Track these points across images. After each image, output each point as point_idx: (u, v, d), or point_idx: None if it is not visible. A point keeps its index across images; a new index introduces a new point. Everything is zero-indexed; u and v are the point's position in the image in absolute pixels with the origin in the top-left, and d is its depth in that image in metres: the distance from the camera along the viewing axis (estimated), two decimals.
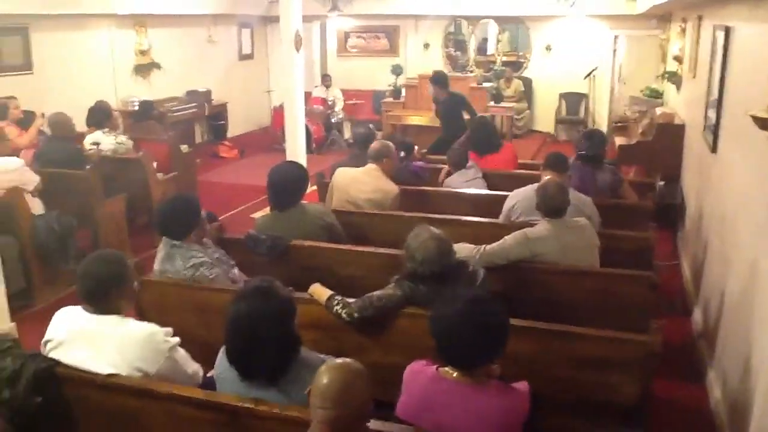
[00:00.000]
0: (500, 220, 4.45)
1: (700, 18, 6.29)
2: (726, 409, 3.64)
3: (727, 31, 4.59)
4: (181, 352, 2.66)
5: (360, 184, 4.74)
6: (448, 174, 5.63)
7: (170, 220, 3.40)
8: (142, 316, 3.38)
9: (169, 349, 2.59)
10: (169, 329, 2.65)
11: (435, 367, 2.36)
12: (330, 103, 11.66)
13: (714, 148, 4.79)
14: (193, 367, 2.72)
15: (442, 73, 7.79)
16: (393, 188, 4.75)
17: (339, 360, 2.06)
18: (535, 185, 3.99)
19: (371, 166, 4.78)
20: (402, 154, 5.71)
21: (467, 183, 5.38)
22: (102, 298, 2.59)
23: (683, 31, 7.67)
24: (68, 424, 2.64)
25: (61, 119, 6.13)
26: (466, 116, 7.23)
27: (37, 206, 5.31)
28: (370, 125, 6.49)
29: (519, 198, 4.32)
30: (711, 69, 5.10)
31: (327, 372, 1.98)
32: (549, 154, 4.58)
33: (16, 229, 5.03)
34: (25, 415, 2.51)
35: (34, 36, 8.19)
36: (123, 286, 2.65)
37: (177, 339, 2.64)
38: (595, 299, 3.54)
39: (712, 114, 4.92)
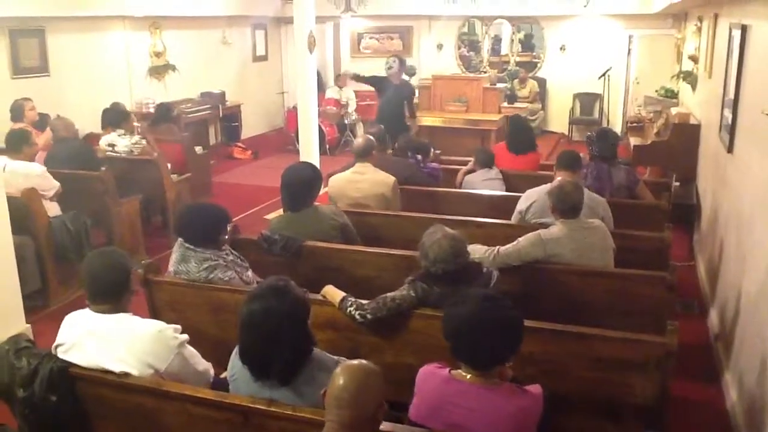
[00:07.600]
0: (512, 220, 4.43)
1: (716, 16, 6.23)
2: (742, 410, 3.61)
3: (744, 29, 4.54)
4: (190, 349, 2.67)
5: (356, 183, 4.74)
6: (469, 172, 5.62)
7: (194, 230, 3.36)
8: (156, 315, 3.41)
9: (178, 345, 2.60)
10: (178, 326, 2.66)
11: (448, 369, 2.35)
12: (343, 104, 11.67)
13: (730, 148, 4.74)
14: (204, 365, 2.73)
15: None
16: (390, 177, 4.77)
17: (355, 361, 2.06)
18: (549, 185, 3.96)
19: (361, 164, 4.78)
20: (419, 156, 5.71)
21: (486, 182, 5.38)
22: (115, 297, 2.63)
23: (699, 30, 7.60)
24: (84, 422, 2.66)
25: (64, 122, 6.29)
26: None
27: (53, 209, 5.35)
28: (381, 126, 6.48)
29: (534, 199, 4.28)
30: (727, 68, 5.05)
31: (343, 373, 1.98)
32: (562, 152, 4.56)
33: (32, 229, 5.06)
34: (41, 414, 2.53)
35: (50, 38, 8.25)
36: (130, 282, 2.70)
37: (185, 336, 2.65)
38: (611, 300, 3.52)
39: (728, 114, 4.87)
